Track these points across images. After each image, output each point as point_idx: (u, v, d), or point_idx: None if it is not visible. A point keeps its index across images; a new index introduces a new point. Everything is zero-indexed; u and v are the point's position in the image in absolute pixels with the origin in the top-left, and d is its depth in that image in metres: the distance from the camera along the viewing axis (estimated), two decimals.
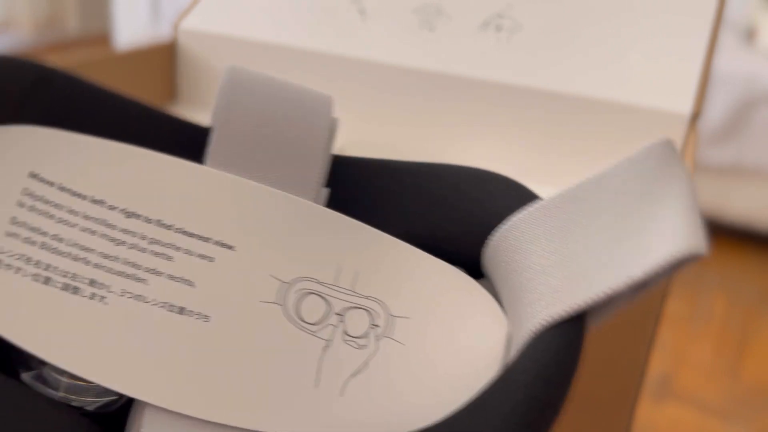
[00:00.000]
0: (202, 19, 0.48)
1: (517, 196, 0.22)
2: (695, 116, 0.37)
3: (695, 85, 0.38)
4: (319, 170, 0.21)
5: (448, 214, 0.22)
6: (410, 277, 0.20)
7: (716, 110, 1.63)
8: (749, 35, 1.86)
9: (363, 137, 0.45)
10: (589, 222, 0.19)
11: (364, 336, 0.19)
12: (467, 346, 0.20)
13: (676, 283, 1.57)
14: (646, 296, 0.29)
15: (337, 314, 0.19)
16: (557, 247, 0.19)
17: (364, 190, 0.23)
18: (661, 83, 0.39)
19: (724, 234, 1.76)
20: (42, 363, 0.19)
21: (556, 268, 0.18)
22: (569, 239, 0.19)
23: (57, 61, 0.53)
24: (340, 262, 0.20)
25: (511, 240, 0.20)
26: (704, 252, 0.17)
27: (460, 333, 0.20)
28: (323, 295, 0.19)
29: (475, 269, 0.22)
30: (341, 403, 0.18)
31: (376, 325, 0.19)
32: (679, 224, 0.17)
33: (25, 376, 0.19)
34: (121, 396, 0.19)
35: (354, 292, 0.20)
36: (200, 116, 0.48)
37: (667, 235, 0.17)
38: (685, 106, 0.37)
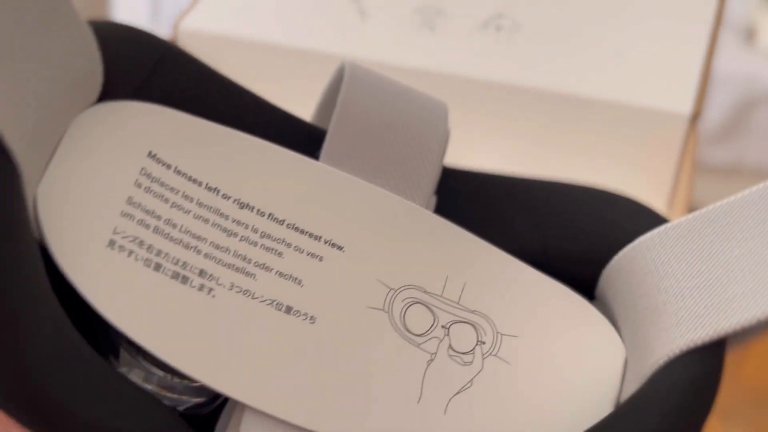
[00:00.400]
0: (203, 19, 0.48)
1: (645, 217, 0.21)
2: (695, 116, 0.37)
3: (695, 85, 0.38)
4: (432, 177, 0.20)
5: (564, 232, 0.21)
6: (521, 295, 0.19)
7: (716, 110, 1.63)
8: (749, 35, 1.86)
9: None
10: (735, 246, 0.18)
11: (470, 352, 0.18)
12: (580, 373, 0.19)
13: None
14: None
15: (443, 327, 0.18)
16: (698, 271, 0.18)
17: (475, 203, 0.22)
18: (661, 83, 0.39)
19: None
20: (139, 351, 0.18)
21: (698, 292, 0.17)
22: (710, 263, 0.18)
23: None
24: (449, 273, 0.19)
25: (640, 261, 0.19)
26: None
27: (573, 357, 0.19)
28: (430, 306, 0.19)
29: (584, 291, 0.21)
30: (443, 421, 0.17)
31: (483, 342, 0.19)
32: None
33: (124, 360, 0.19)
34: (213, 398, 0.19)
35: (461, 305, 0.19)
36: None
37: None
38: (685, 106, 0.37)
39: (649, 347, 0.18)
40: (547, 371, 0.19)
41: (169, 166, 0.19)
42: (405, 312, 0.18)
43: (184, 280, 0.17)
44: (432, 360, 0.18)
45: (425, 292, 0.19)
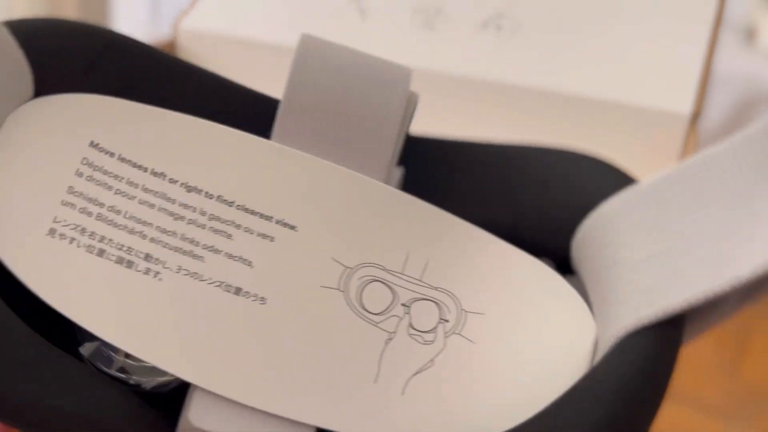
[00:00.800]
0: (203, 19, 0.48)
1: (614, 179, 0.20)
2: (695, 116, 0.37)
3: (695, 85, 0.38)
4: (391, 149, 0.20)
5: (534, 200, 0.20)
6: (488, 270, 0.19)
7: (716, 110, 1.63)
8: (749, 35, 1.86)
9: None
10: (691, 212, 0.16)
11: (432, 331, 0.18)
12: (548, 351, 0.18)
13: None
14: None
15: (403, 305, 0.18)
16: (652, 241, 0.17)
17: (442, 172, 0.21)
18: (661, 83, 0.39)
19: None
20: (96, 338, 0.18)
21: (650, 265, 0.17)
22: (666, 231, 0.17)
23: None
24: (410, 249, 0.19)
25: (599, 231, 0.18)
26: None
27: (541, 335, 0.18)
28: (389, 283, 0.18)
29: (564, 264, 0.20)
30: (401, 402, 0.17)
31: (446, 320, 0.18)
32: None
33: (85, 350, 0.19)
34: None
35: (423, 282, 0.18)
36: None
37: None
38: (685, 106, 0.37)
39: (606, 325, 0.17)
40: (513, 350, 0.18)
41: (112, 154, 0.19)
42: (362, 290, 0.18)
43: (129, 264, 0.18)
44: (391, 339, 0.18)
45: (384, 269, 0.18)
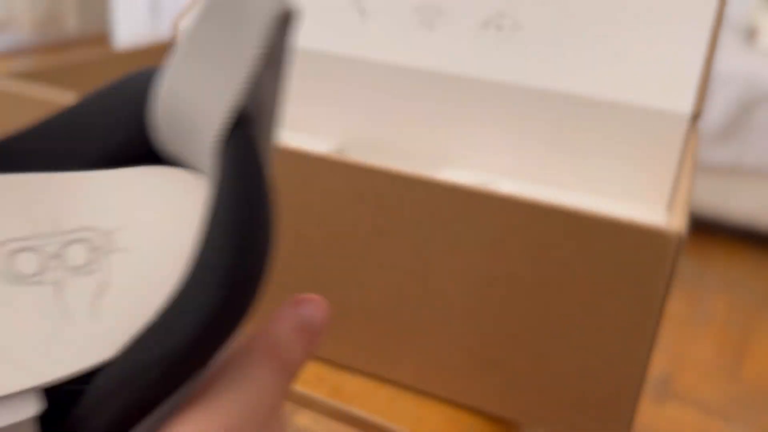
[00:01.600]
0: None
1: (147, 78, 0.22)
2: (696, 116, 0.37)
3: (696, 85, 0.38)
4: None
5: (98, 131, 0.22)
6: (109, 193, 0.21)
7: (717, 110, 1.63)
8: (750, 35, 1.86)
9: (363, 136, 0.45)
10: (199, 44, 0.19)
11: (91, 261, 0.19)
12: (189, 228, 0.20)
13: (677, 284, 1.57)
14: (647, 297, 0.29)
15: (54, 257, 0.19)
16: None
17: (31, 155, 0.23)
18: (661, 83, 0.39)
19: (725, 234, 1.76)
20: None
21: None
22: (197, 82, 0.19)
23: (56, 60, 0.53)
24: (37, 215, 0.20)
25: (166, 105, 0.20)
26: (294, 9, 0.17)
27: (169, 224, 0.20)
28: (32, 247, 0.19)
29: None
30: (96, 329, 0.18)
31: (97, 247, 0.20)
32: None
33: None
34: None
35: (62, 230, 0.20)
36: None
37: (263, 7, 0.18)
38: (685, 106, 0.37)
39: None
40: (157, 246, 0.20)
41: None
42: (10, 263, 0.19)
43: None
44: (59, 286, 0.19)
45: (19, 239, 0.20)
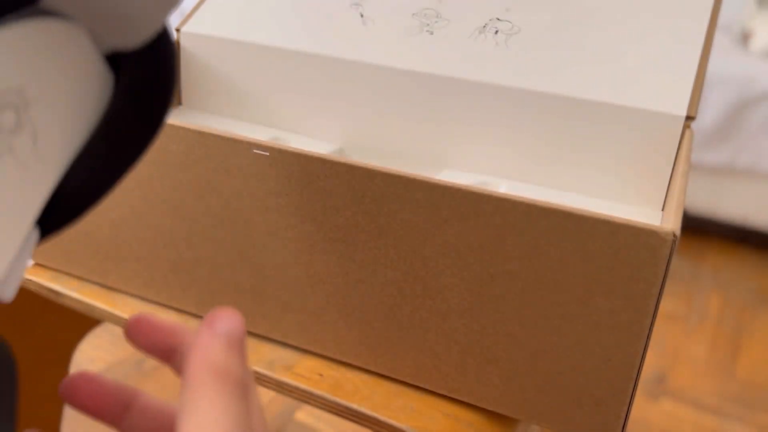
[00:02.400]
0: (204, 23, 0.48)
1: None
2: (690, 117, 0.38)
3: (690, 87, 0.39)
4: None
5: None
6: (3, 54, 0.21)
7: (711, 111, 1.64)
8: (744, 38, 1.87)
9: (363, 139, 0.45)
10: None
11: (20, 120, 0.20)
12: (74, 72, 0.22)
13: (671, 282, 1.58)
14: (641, 295, 0.30)
15: None
16: None
17: None
18: (656, 85, 0.39)
19: (719, 233, 1.77)
20: None
21: None
22: None
23: None
24: None
25: None
26: None
27: (72, 76, 0.21)
28: None
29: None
30: (46, 161, 0.21)
31: (18, 105, 0.21)
32: None
33: None
34: None
35: None
36: (202, 119, 0.49)
37: None
38: (680, 107, 0.38)
39: None
40: (62, 85, 0.21)
41: None
42: None
43: None
44: (12, 152, 0.20)
45: None
